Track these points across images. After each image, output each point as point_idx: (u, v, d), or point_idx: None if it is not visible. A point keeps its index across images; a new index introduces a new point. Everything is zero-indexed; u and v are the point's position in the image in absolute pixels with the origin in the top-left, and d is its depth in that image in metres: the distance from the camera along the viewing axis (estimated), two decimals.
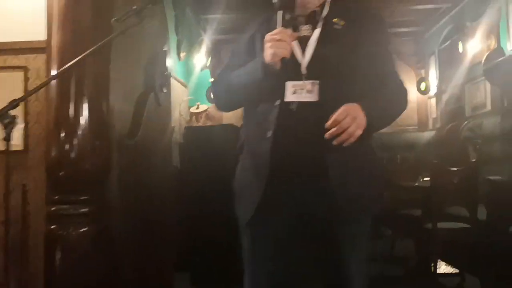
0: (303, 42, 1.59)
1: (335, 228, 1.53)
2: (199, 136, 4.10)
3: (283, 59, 1.50)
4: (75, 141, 2.21)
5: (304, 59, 1.57)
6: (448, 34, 6.97)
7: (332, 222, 1.52)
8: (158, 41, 3.36)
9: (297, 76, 1.55)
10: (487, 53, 5.21)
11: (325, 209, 1.51)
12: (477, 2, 5.77)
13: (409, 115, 7.95)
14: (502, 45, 5.14)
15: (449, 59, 6.89)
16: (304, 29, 1.63)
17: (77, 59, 1.74)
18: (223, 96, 1.75)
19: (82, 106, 2.24)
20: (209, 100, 6.49)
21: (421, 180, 4.19)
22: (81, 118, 2.22)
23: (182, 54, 5.96)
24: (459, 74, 6.28)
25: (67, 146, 2.20)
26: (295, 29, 1.60)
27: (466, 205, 3.53)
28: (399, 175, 4.75)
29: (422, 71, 8.06)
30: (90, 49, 1.74)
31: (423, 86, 7.78)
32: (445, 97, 7.07)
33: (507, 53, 4.95)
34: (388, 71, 1.65)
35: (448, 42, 6.93)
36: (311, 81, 1.54)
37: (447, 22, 6.97)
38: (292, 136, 1.52)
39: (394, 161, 5.91)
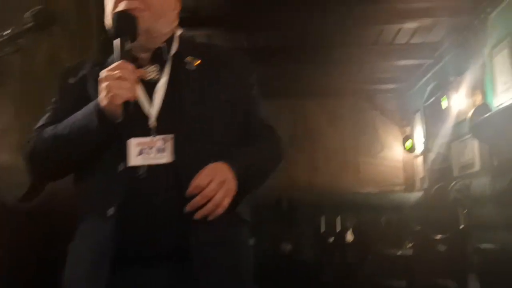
0: (149, 86, 1.27)
1: None
2: None
3: (125, 105, 1.15)
4: None
5: (153, 108, 1.25)
6: (433, 90, 6.79)
7: None
8: None
9: (143, 131, 1.22)
10: (473, 109, 4.95)
11: None
12: (459, 58, 5.61)
13: (395, 174, 7.68)
14: (488, 100, 4.90)
15: (434, 116, 6.66)
16: (151, 70, 1.29)
17: None
18: (42, 157, 1.28)
19: None
20: None
21: (407, 246, 4.02)
22: None
23: None
24: (445, 132, 6.01)
25: None
26: (138, 67, 1.26)
27: (455, 276, 3.19)
28: (383, 241, 4.58)
29: (408, 129, 7.82)
30: None
31: (408, 144, 7.52)
32: (431, 155, 6.79)
33: (494, 109, 4.68)
34: (255, 118, 1.39)
35: (433, 99, 6.73)
36: (162, 136, 1.22)
37: (431, 78, 6.81)
38: (142, 212, 1.17)
39: (378, 224, 5.63)
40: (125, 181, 1.18)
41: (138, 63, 1.26)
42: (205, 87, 1.30)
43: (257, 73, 1.44)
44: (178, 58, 1.32)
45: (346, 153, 7.58)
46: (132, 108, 1.16)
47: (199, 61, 1.32)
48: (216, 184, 1.13)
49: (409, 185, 7.65)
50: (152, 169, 1.19)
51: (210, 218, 1.13)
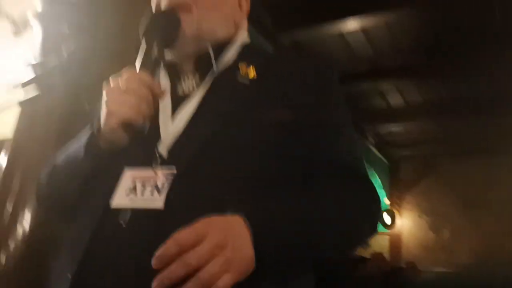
0: (178, 102, 0.95)
1: None
2: None
3: (128, 128, 0.86)
4: None
5: (168, 130, 0.91)
6: None
7: None
8: None
9: (147, 159, 0.87)
10: None
11: None
12: None
13: None
14: None
15: None
16: (187, 83, 0.98)
17: None
18: (45, 181, 1.04)
19: None
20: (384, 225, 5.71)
21: None
22: None
23: None
24: None
25: None
26: (174, 81, 1.00)
27: None
28: None
29: None
30: None
31: None
32: None
33: None
34: (335, 157, 0.93)
35: None
36: (165, 170, 0.85)
37: None
38: (109, 280, 0.77)
39: None
40: (98, 230, 0.82)
41: (179, 74, 1.03)
42: (252, 106, 0.92)
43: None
44: (230, 69, 0.99)
45: None
46: (140, 132, 0.87)
47: (254, 72, 0.97)
48: (209, 247, 0.69)
49: None
50: (137, 217, 0.81)
51: None
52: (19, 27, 2.25)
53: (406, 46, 4.72)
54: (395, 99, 5.99)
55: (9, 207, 1.85)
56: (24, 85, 1.19)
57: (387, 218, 7.37)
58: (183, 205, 0.81)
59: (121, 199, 0.85)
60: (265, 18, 4.41)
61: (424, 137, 6.91)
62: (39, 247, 1.78)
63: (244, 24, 1.13)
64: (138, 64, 0.93)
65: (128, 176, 0.87)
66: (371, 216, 0.93)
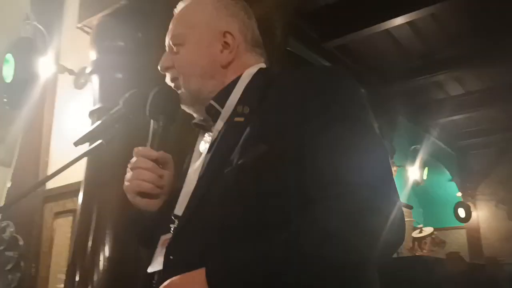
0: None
1: None
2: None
3: (145, 195, 1.01)
4: None
5: (185, 190, 1.02)
6: None
7: None
8: None
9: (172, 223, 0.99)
10: None
11: None
12: None
13: None
14: None
15: None
16: (205, 140, 1.07)
17: None
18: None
19: None
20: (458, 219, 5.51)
21: None
22: None
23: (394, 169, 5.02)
24: None
25: None
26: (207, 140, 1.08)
27: None
28: None
29: None
30: None
31: None
32: None
33: None
34: (313, 176, 0.87)
35: None
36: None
37: None
38: None
39: None
40: None
41: (206, 130, 1.11)
42: (234, 146, 0.94)
43: None
44: (234, 111, 1.01)
45: None
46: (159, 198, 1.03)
47: (248, 110, 0.98)
48: None
49: None
50: (158, 280, 0.92)
51: None
52: (79, 79, 2.44)
53: (455, 35, 4.60)
54: (454, 89, 5.82)
55: (89, 243, 1.99)
56: (86, 136, 1.29)
57: (461, 212, 7.11)
58: (179, 263, 0.89)
59: (154, 263, 0.97)
60: (307, 29, 4.47)
61: (491, 125, 6.64)
62: (120, 277, 1.92)
63: (247, 59, 1.11)
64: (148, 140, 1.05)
65: (161, 242, 0.99)
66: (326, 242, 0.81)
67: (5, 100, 2.48)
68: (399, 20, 4.24)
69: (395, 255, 3.94)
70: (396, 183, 0.92)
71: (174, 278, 0.83)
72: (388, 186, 0.88)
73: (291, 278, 0.80)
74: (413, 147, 5.98)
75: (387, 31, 4.51)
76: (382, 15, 4.21)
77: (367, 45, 4.74)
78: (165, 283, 0.83)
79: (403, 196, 5.58)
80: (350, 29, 4.41)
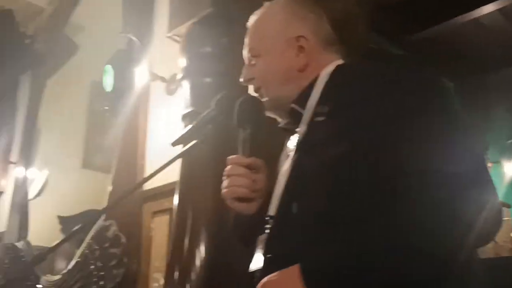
0: None
1: None
2: None
3: (241, 200, 1.08)
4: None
5: (276, 192, 1.06)
6: None
7: None
8: None
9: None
10: None
11: None
12: None
13: None
14: None
15: None
16: (291, 142, 1.10)
17: None
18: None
19: None
20: None
21: None
22: None
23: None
24: None
25: None
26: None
27: None
28: None
29: None
30: None
31: None
32: None
33: None
34: (402, 171, 0.87)
35: None
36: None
37: None
38: None
39: None
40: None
41: (289, 130, 1.15)
42: (317, 145, 0.98)
43: None
44: (315, 111, 1.04)
45: None
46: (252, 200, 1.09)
47: (328, 109, 1.00)
48: None
49: None
50: (258, 278, 0.95)
51: None
52: (170, 86, 2.57)
53: None
54: None
55: (186, 242, 2.09)
56: (179, 139, 1.38)
57: None
58: (276, 260, 0.94)
59: (254, 262, 1.04)
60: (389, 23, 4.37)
61: None
62: (216, 276, 2.00)
63: (323, 59, 1.13)
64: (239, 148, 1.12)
65: (258, 243, 1.05)
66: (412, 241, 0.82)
67: (106, 108, 2.69)
68: (489, 8, 4.03)
69: (493, 255, 3.75)
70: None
71: (270, 275, 0.88)
72: (481, 174, 0.88)
73: (387, 269, 0.82)
74: (510, 141, 5.60)
75: (476, 19, 4.30)
76: (469, 3, 4.02)
77: (456, 35, 4.53)
78: (262, 280, 0.89)
79: (500, 194, 5.24)
80: (436, 20, 4.26)
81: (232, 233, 1.21)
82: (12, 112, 4.20)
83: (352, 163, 0.91)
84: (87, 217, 3.13)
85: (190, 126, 1.36)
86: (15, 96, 4.28)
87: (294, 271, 0.85)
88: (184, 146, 1.38)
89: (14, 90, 4.29)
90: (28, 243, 3.52)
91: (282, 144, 1.23)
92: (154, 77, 2.65)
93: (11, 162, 4.05)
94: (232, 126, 1.22)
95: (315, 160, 0.97)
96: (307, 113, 1.05)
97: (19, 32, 4.08)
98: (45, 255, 1.22)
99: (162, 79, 2.64)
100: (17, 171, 3.89)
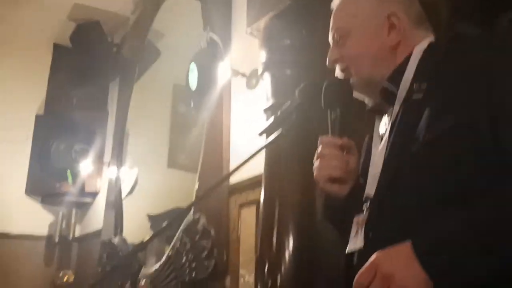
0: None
1: None
2: None
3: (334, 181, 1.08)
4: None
5: (372, 172, 1.05)
6: None
7: None
8: None
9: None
10: None
11: None
12: None
13: None
14: None
15: None
16: (384, 120, 1.10)
17: None
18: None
19: None
20: None
21: None
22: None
23: None
24: None
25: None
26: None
27: None
28: None
29: None
30: None
31: None
32: None
33: None
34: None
35: None
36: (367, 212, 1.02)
37: None
38: None
39: None
40: (346, 273, 1.03)
41: (382, 114, 1.15)
42: (417, 124, 0.97)
43: None
44: (410, 89, 1.04)
45: None
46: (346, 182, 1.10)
47: (426, 86, 0.99)
48: (379, 282, 0.83)
49: None
50: (359, 258, 0.99)
51: None
52: (251, 80, 2.62)
53: None
54: None
55: (274, 235, 2.12)
56: (266, 129, 1.42)
57: None
58: (379, 239, 0.95)
59: (350, 244, 1.05)
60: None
61: None
62: (306, 266, 2.02)
63: (414, 36, 1.12)
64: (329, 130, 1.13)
65: (354, 224, 1.06)
66: None
67: (192, 105, 2.79)
68: None
69: None
70: None
71: (379, 252, 0.87)
72: None
73: (501, 244, 0.80)
74: None
75: None
76: None
77: None
78: (372, 258, 0.87)
79: None
80: None
81: (323, 216, 1.22)
82: (104, 117, 4.48)
83: (460, 138, 0.90)
84: (174, 215, 3.24)
85: (276, 116, 1.40)
86: (106, 102, 4.56)
87: (406, 247, 0.85)
88: (267, 137, 1.42)
89: (105, 97, 4.56)
90: (124, 239, 3.73)
91: (367, 127, 1.22)
92: (235, 73, 2.71)
93: (104, 164, 4.29)
94: (315, 116, 1.23)
95: (416, 139, 0.95)
96: (401, 92, 1.05)
97: (107, 42, 4.33)
98: (138, 249, 1.31)
99: (243, 74, 2.69)
100: (110, 171, 4.13)
